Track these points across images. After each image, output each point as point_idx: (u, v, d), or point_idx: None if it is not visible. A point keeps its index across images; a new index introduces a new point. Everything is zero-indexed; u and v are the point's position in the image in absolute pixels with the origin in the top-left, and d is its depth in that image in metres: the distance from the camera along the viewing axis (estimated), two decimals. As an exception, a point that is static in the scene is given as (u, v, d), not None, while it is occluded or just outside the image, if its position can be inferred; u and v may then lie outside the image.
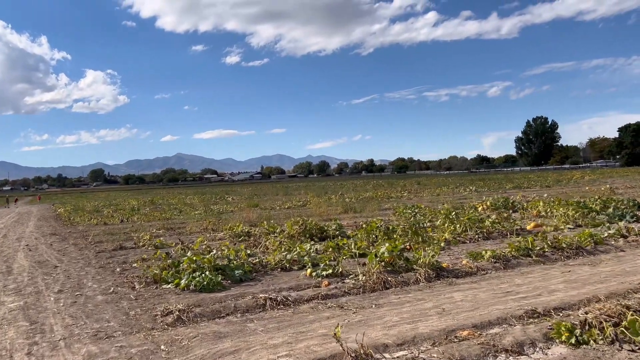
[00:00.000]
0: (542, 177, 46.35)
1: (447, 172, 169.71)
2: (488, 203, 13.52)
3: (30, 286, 6.85)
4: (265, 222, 12.86)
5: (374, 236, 8.46)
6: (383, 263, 6.08)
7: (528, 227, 9.72)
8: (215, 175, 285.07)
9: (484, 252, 6.72)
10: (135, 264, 8.05)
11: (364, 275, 5.80)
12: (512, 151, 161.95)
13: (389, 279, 5.65)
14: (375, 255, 6.12)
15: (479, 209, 13.09)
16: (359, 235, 8.71)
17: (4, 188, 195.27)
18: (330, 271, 6.11)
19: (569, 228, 9.62)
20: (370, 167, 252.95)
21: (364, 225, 9.04)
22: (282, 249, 8.61)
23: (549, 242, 7.02)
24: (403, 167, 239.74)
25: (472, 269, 6.12)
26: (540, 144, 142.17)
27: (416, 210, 13.69)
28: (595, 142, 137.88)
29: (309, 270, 6.32)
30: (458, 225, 9.13)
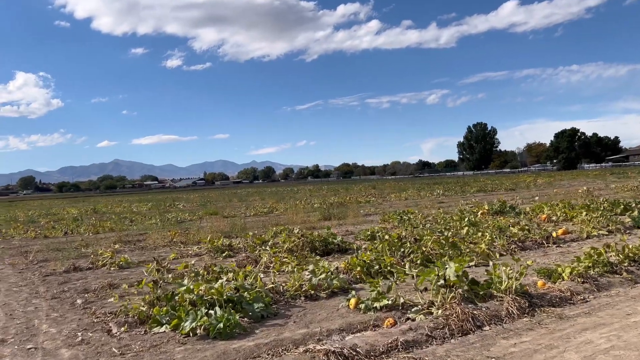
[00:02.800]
0: (494, 181, 46.80)
1: (392, 176, 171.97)
2: (486, 208, 12.43)
3: (-44, 333, 4.89)
4: (250, 233, 11.11)
5: (400, 250, 7.00)
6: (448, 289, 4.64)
7: (554, 234, 8.60)
8: (156, 182, 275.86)
9: (559, 269, 5.43)
10: (107, 295, 6.17)
11: (438, 308, 4.33)
12: (452, 156, 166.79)
13: (474, 312, 4.21)
14: (440, 278, 4.67)
15: (479, 213, 11.97)
16: (378, 249, 7.22)
17: None
18: (386, 302, 4.59)
19: (602, 234, 8.61)
20: (316, 173, 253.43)
21: (384, 236, 7.56)
22: (289, 268, 7.01)
23: (627, 254, 5.84)
24: (348, 172, 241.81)
25: (562, 292, 4.79)
26: (480, 149, 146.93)
27: (409, 216, 12.39)
28: (532, 147, 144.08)
29: (352, 301, 4.76)
30: (487, 235, 7.85)
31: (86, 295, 6.30)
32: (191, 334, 4.23)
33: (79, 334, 4.60)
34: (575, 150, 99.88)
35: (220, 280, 4.86)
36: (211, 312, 4.44)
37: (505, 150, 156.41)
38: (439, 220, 10.88)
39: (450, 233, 8.25)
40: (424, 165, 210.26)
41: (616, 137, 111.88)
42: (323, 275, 5.45)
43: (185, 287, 4.84)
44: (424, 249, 6.75)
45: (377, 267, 6.15)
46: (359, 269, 6.07)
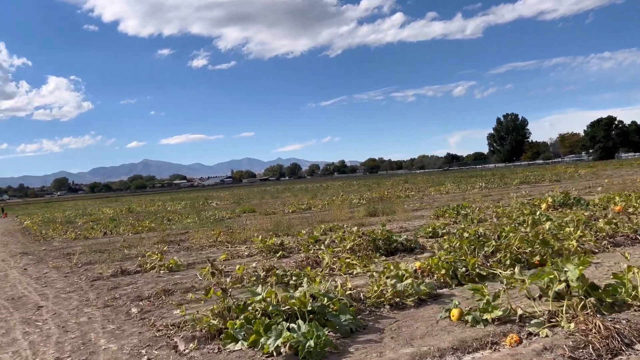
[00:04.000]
0: (532, 172, 45.19)
1: (421, 170, 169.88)
2: (550, 200, 11.52)
3: (4, 349, 4.39)
4: (302, 231, 10.51)
5: (482, 249, 6.25)
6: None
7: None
8: (185, 181, 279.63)
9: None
10: (163, 304, 5.61)
11: (569, 321, 3.60)
12: (480, 149, 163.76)
13: (616, 325, 3.47)
14: (561, 282, 3.93)
15: (543, 206, 11.09)
16: (454, 247, 6.49)
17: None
18: (499, 313, 3.88)
19: None
20: (342, 169, 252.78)
21: (462, 233, 6.82)
22: (358, 270, 6.36)
23: None
24: (375, 167, 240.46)
25: None
26: (511, 140, 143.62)
27: (467, 211, 11.60)
28: (565, 138, 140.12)
29: (455, 311, 4.06)
30: (576, 230, 7.03)
31: (140, 303, 5.77)
32: (275, 353, 3.61)
33: (143, 351, 4.04)
34: (612, 139, 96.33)
35: (301, 289, 4.22)
36: (292, 325, 3.82)
37: (536, 142, 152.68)
38: (503, 215, 10.04)
39: (529, 228, 7.45)
40: (452, 159, 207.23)
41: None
42: (409, 281, 4.76)
43: (260, 297, 4.22)
44: (511, 248, 5.98)
45: (463, 269, 5.43)
46: (443, 271, 5.36)
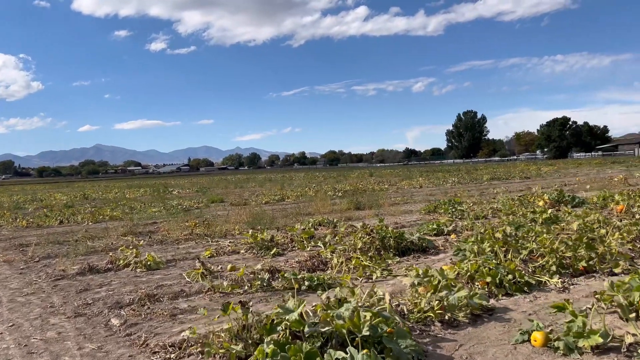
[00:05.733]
0: (497, 169, 45.69)
1: (381, 164, 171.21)
2: (546, 197, 11.06)
3: (-50, 379, 3.31)
4: (297, 226, 9.56)
5: (518, 252, 5.52)
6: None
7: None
8: (140, 167, 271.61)
9: None
10: (152, 314, 4.57)
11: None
12: (437, 144, 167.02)
13: None
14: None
15: (540, 203, 10.59)
16: (483, 249, 5.74)
17: None
18: (599, 339, 3.12)
19: None
20: (302, 160, 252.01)
21: (491, 233, 6.06)
22: (377, 274, 5.53)
23: None
24: (335, 159, 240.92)
25: None
26: (469, 137, 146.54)
27: (463, 207, 10.99)
28: (521, 136, 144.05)
29: (539, 335, 3.28)
30: (614, 232, 6.42)
31: (122, 312, 4.73)
32: (324, 395, 2.72)
33: (141, 386, 3.06)
34: (566, 139, 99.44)
35: (347, 305, 3.32)
36: (341, 354, 2.94)
37: (493, 139, 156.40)
38: (508, 212, 9.46)
39: (559, 229, 6.82)
40: (410, 153, 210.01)
41: (605, 127, 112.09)
42: (464, 292, 3.96)
43: (294, 315, 3.30)
44: (555, 252, 5.28)
45: (509, 276, 4.68)
46: (489, 279, 4.59)
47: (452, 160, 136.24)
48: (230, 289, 5.21)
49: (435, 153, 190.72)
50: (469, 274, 4.80)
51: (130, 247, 7.61)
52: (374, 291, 3.98)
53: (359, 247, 6.41)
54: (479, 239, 5.97)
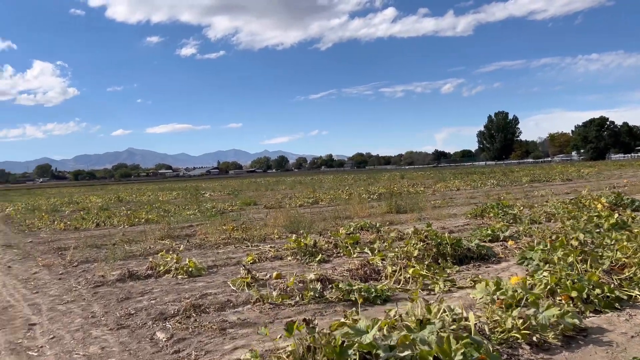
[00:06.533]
0: (532, 171, 44.30)
1: (410, 166, 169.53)
2: (604, 200, 10.36)
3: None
4: (341, 231, 9.14)
5: (600, 263, 4.97)
6: None
7: None
8: (170, 171, 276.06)
9: None
10: (200, 328, 4.22)
11: None
12: (467, 146, 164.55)
13: None
14: None
15: (598, 207, 9.90)
16: (546, 256, 5.19)
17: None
18: None
19: None
20: (329, 162, 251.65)
21: (567, 241, 5.51)
22: (440, 286, 5.05)
23: None
24: (362, 162, 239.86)
25: None
26: (501, 138, 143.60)
27: (514, 210, 10.39)
28: (555, 137, 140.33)
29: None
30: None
31: (167, 324, 4.39)
32: None
33: (198, 417, 2.69)
34: (604, 140, 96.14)
35: (431, 327, 2.89)
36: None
37: (525, 140, 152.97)
38: (566, 217, 8.83)
39: (633, 235, 6.21)
40: (439, 155, 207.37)
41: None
42: (554, 310, 3.46)
43: (368, 338, 2.87)
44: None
45: (597, 290, 4.15)
46: (574, 293, 4.07)
47: (483, 162, 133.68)
48: (280, 299, 4.83)
49: (466, 155, 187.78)
50: (549, 287, 4.28)
51: (170, 252, 7.33)
52: (451, 307, 3.52)
53: (414, 254, 5.93)
54: (548, 246, 5.44)
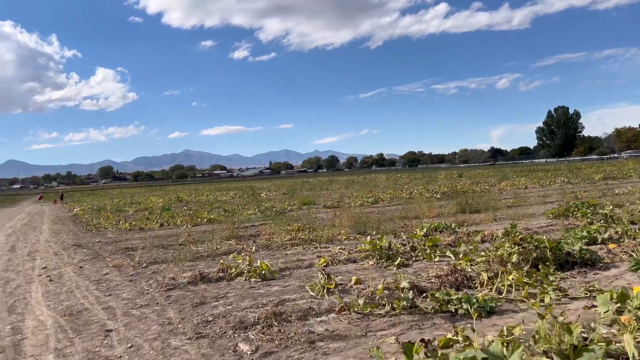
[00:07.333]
0: (600, 168, 41.76)
1: (465, 164, 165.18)
2: None
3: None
4: (417, 232, 8.61)
5: None
6: None
7: None
8: (225, 171, 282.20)
9: None
10: (287, 339, 3.83)
11: None
12: (524, 143, 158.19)
13: None
14: None
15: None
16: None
17: (14, 186, 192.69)
18: None
19: None
20: (380, 162, 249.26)
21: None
22: (549, 298, 4.44)
23: None
24: (414, 160, 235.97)
25: None
26: (562, 134, 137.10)
27: (605, 210, 9.48)
28: (622, 132, 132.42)
29: None
30: None
31: (249, 334, 4.04)
32: None
33: None
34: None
35: (589, 355, 2.34)
36: None
37: (589, 136, 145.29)
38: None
39: None
40: (496, 153, 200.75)
41: None
42: None
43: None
44: None
45: None
46: None
47: (544, 160, 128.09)
48: (367, 309, 4.37)
49: (524, 152, 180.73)
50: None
51: (241, 254, 7.04)
52: (592, 326, 2.94)
53: (513, 260, 5.32)
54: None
